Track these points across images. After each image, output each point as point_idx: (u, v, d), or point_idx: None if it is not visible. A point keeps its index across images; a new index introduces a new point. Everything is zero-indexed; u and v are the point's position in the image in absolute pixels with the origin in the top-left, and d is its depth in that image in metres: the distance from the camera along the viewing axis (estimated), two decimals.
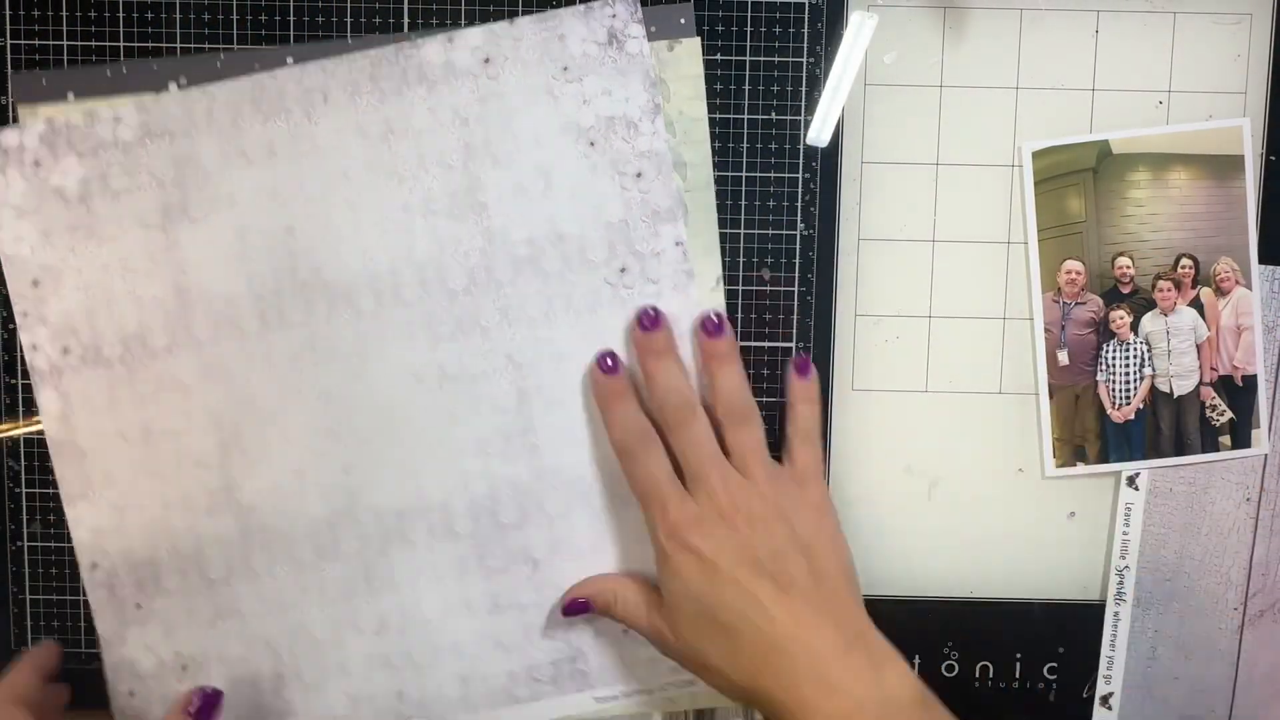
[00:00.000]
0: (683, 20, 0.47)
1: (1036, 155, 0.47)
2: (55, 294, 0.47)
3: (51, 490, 0.49)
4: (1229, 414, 0.49)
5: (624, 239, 0.47)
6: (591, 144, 0.46)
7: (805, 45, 0.48)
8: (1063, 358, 0.49)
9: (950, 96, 0.48)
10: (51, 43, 0.47)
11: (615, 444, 0.46)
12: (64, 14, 0.47)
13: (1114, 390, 0.49)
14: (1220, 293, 0.48)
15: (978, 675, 0.51)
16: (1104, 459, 0.49)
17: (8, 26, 0.47)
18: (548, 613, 0.49)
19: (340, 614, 0.48)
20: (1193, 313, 0.48)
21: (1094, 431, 0.49)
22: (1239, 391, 0.49)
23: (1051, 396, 0.49)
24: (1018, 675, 0.51)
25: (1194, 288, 0.48)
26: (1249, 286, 0.48)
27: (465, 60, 0.46)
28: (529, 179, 0.46)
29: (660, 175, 0.47)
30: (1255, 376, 0.49)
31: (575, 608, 0.47)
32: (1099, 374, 0.49)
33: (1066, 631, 0.50)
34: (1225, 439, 0.49)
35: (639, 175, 0.46)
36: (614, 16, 0.46)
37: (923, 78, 0.48)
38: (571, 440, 0.48)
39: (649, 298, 0.47)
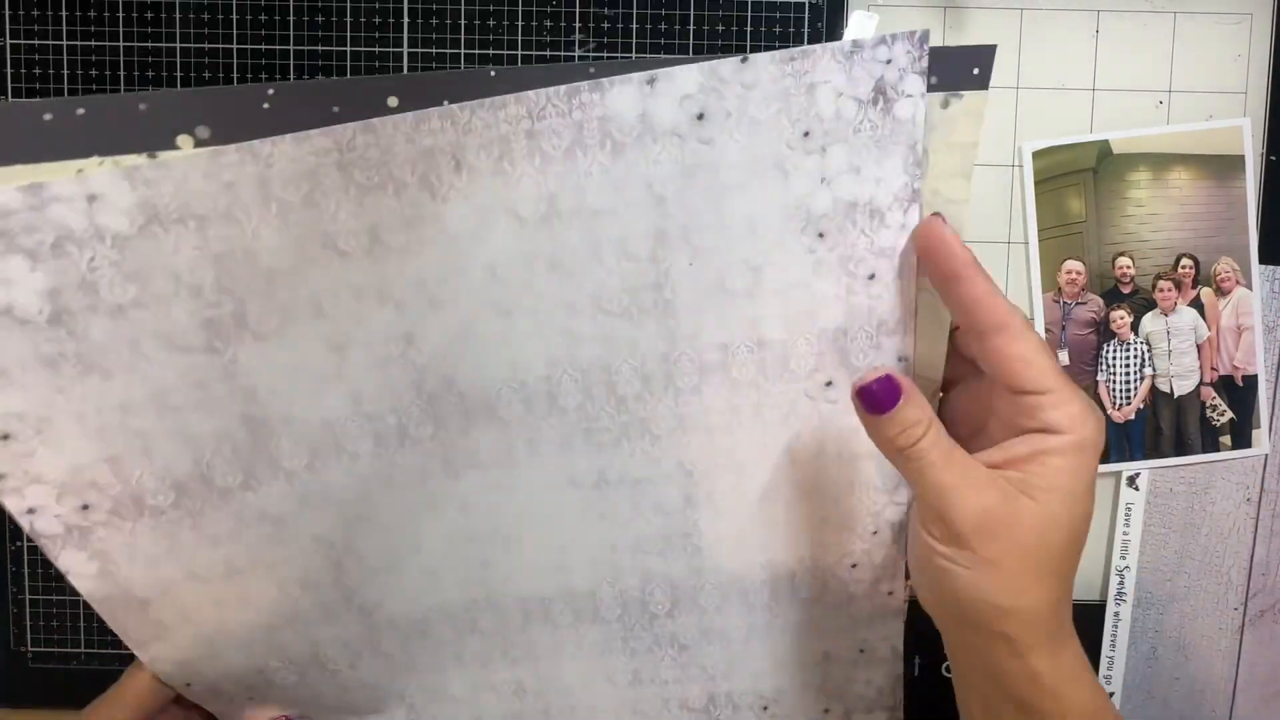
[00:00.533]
0: (975, 70, 0.35)
1: (1037, 155, 0.47)
2: (45, 446, 0.34)
3: None
4: (1229, 414, 0.49)
5: (837, 349, 0.38)
6: (821, 235, 0.36)
7: (805, 45, 0.48)
8: (1063, 357, 0.49)
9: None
10: (51, 43, 0.47)
11: None
12: (64, 14, 0.47)
13: (1114, 390, 0.49)
14: (1221, 293, 0.48)
15: None
16: (1104, 459, 0.49)
17: (7, 26, 0.47)
18: (688, 689, 0.45)
19: (478, 679, 0.44)
20: (1193, 313, 0.48)
21: None
22: (1239, 391, 0.49)
23: None
24: None
25: (1194, 288, 0.48)
26: (1249, 286, 0.48)
27: (670, 114, 0.34)
28: (734, 275, 0.36)
29: (899, 278, 0.37)
30: (1256, 376, 0.49)
31: (886, 391, 0.34)
32: (1099, 374, 0.49)
33: None
34: (1226, 439, 0.49)
35: (871, 277, 0.37)
36: (888, 62, 0.35)
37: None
38: (740, 545, 0.42)
39: (855, 415, 0.36)
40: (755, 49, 0.47)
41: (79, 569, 0.37)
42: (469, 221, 0.34)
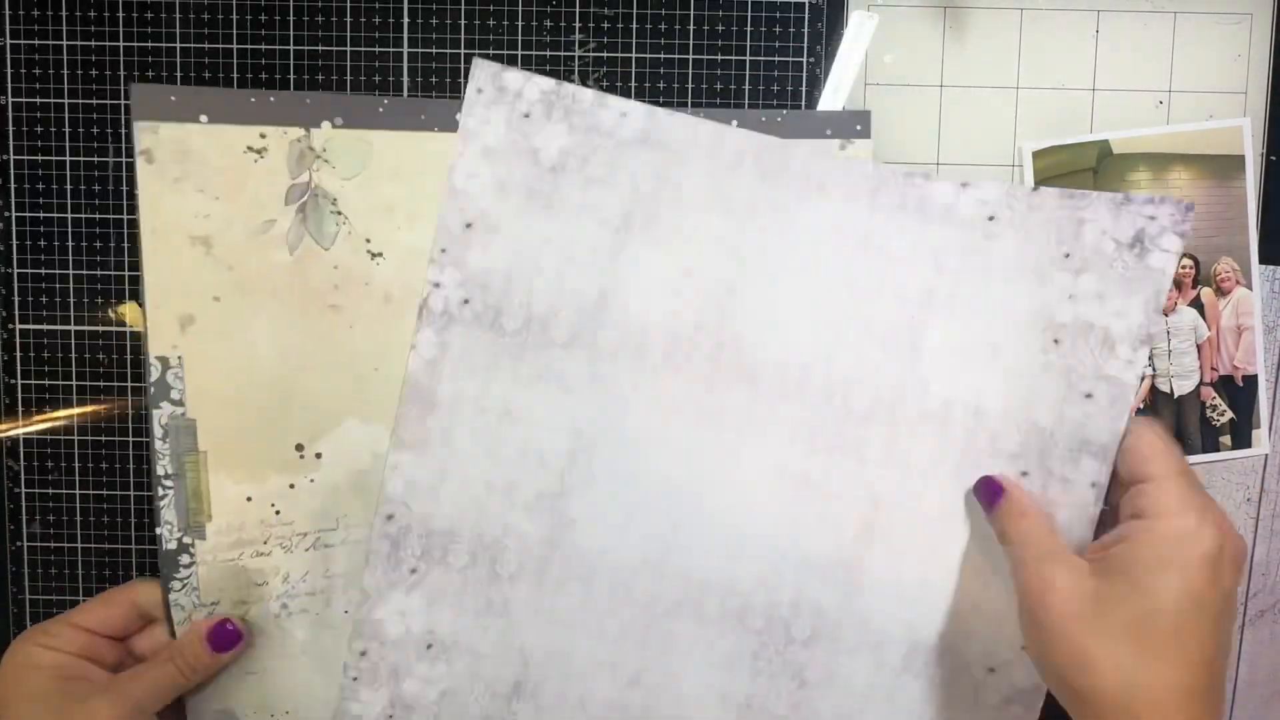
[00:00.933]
0: (859, 127, 0.48)
1: (1037, 155, 0.47)
2: (482, 244, 0.45)
3: (51, 490, 0.49)
4: (1229, 414, 0.49)
5: (1040, 447, 0.43)
6: (1056, 341, 0.43)
7: (805, 45, 0.48)
8: None
9: (950, 96, 0.48)
10: (51, 43, 0.47)
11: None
12: (64, 14, 0.47)
13: None
14: (1221, 293, 0.48)
15: None
16: None
17: (7, 26, 0.47)
18: None
19: (603, 653, 0.46)
20: (1193, 313, 0.48)
21: None
22: (1239, 391, 0.49)
23: None
24: None
25: (1194, 288, 0.48)
26: (1249, 286, 0.48)
27: (970, 210, 0.44)
28: (975, 346, 0.44)
29: (1113, 407, 0.43)
30: (1256, 376, 0.49)
31: (988, 491, 0.43)
32: None
33: None
34: (1225, 439, 0.49)
35: (1088, 396, 0.43)
36: (1153, 218, 0.42)
37: (923, 78, 0.48)
38: (895, 594, 0.45)
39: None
40: (755, 49, 0.48)
41: (424, 349, 0.46)
42: (810, 226, 0.45)
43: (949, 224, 0.44)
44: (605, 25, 0.48)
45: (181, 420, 0.46)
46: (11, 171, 0.48)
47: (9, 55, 0.47)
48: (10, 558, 0.50)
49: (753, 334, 0.45)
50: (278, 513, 0.46)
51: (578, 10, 0.48)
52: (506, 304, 0.45)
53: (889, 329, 0.45)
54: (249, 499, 0.46)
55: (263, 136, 0.45)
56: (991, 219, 0.44)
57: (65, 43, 0.47)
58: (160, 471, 0.46)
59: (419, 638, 0.47)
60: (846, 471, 0.45)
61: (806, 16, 0.48)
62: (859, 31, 0.48)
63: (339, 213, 0.45)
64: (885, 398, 0.45)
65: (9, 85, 0.47)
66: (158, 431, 0.46)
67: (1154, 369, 0.48)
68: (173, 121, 0.45)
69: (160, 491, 0.46)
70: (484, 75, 0.45)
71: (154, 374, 0.46)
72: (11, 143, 0.48)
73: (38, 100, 0.48)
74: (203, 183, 0.45)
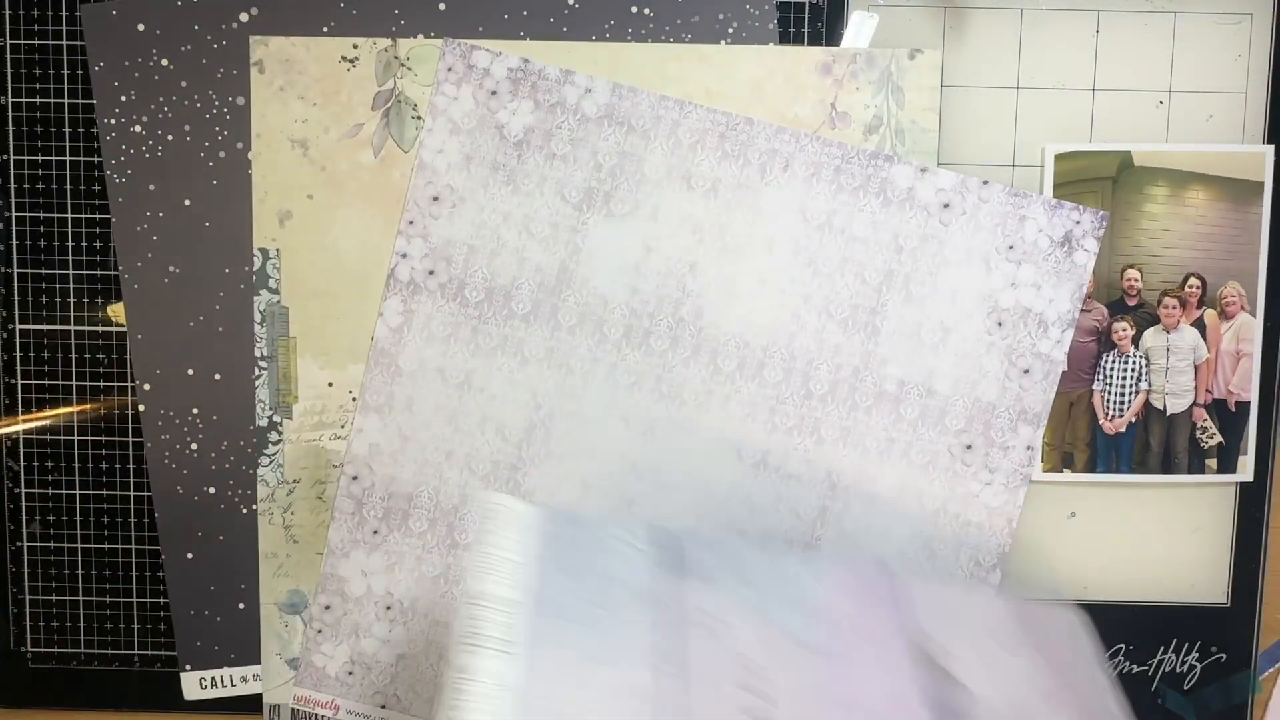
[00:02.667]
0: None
1: (1060, 158, 0.47)
2: (449, 217, 0.47)
3: (51, 490, 0.49)
4: (1218, 437, 0.49)
5: (984, 421, 0.47)
6: (999, 324, 0.47)
7: (805, 45, 0.48)
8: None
9: (950, 96, 0.48)
10: (51, 43, 0.47)
11: None
12: (64, 14, 0.47)
13: (1109, 400, 0.49)
14: (1225, 316, 0.48)
15: None
16: (1091, 468, 0.49)
17: (7, 26, 0.47)
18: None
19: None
20: (1195, 333, 0.48)
21: (1084, 440, 0.49)
22: (1231, 417, 0.49)
23: None
24: None
25: (1199, 308, 0.48)
26: (1254, 313, 0.48)
27: (928, 196, 0.47)
28: (929, 327, 0.47)
29: (1045, 380, 0.47)
30: (1249, 404, 0.49)
31: None
32: (1096, 383, 0.49)
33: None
34: (1212, 462, 0.49)
35: (1026, 372, 0.47)
36: (1078, 223, 0.47)
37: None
38: (841, 584, 0.45)
39: (980, 484, 0.47)
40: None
41: (390, 317, 0.48)
42: (775, 204, 0.46)
43: (911, 207, 0.47)
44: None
45: (277, 307, 0.49)
46: (11, 171, 0.48)
47: (9, 55, 0.47)
48: (10, 558, 0.50)
49: (713, 311, 0.47)
50: (354, 399, 0.49)
51: None
52: (469, 276, 0.47)
53: (849, 309, 0.47)
54: (330, 384, 0.49)
55: (355, 47, 0.47)
56: (947, 206, 0.47)
57: (65, 43, 0.47)
58: (257, 354, 0.49)
59: (379, 599, 0.49)
60: (803, 453, 0.47)
61: (806, 16, 0.48)
62: (859, 31, 0.48)
63: (419, 117, 0.47)
64: (845, 378, 0.47)
65: (9, 85, 0.47)
66: (256, 317, 0.49)
67: (1150, 385, 0.48)
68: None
69: (256, 372, 0.49)
70: (454, 54, 0.46)
71: (256, 263, 0.49)
72: (11, 143, 0.48)
73: (38, 100, 0.48)
74: (302, 90, 0.47)
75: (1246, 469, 0.49)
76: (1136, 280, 0.48)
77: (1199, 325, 0.48)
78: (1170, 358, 0.48)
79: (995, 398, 0.47)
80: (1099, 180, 0.47)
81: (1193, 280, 0.48)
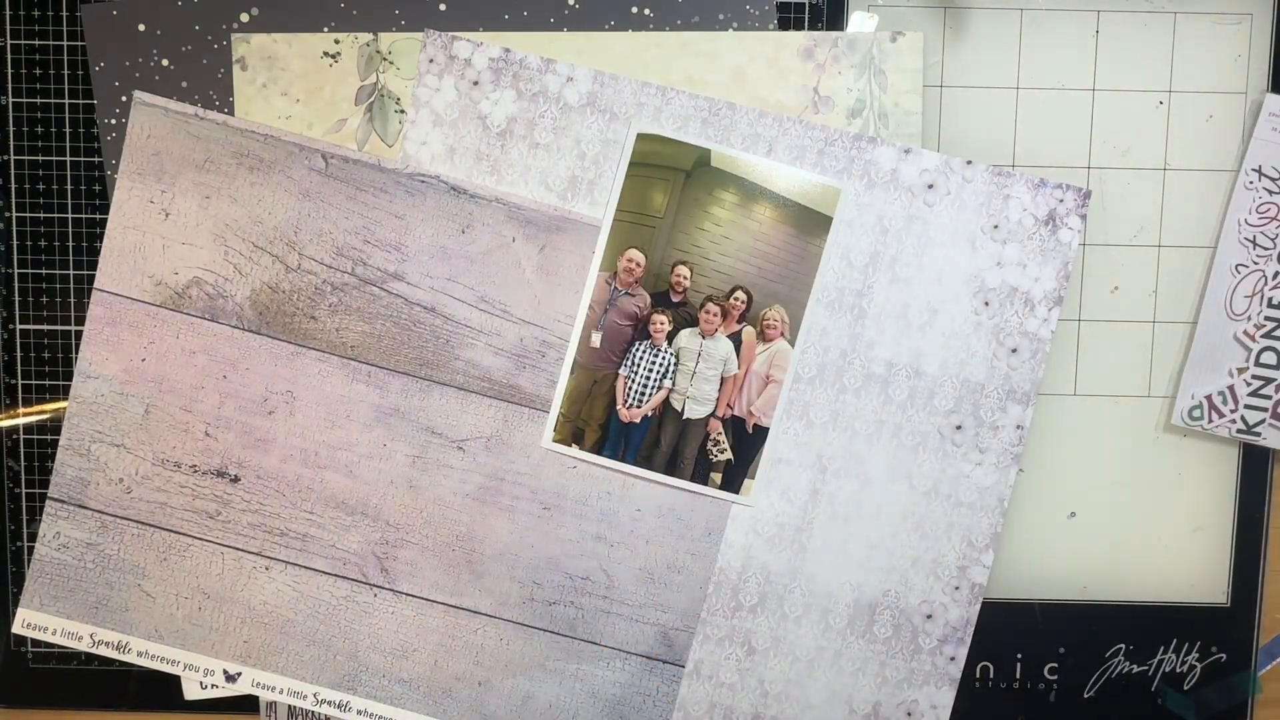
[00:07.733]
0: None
1: (641, 138, 0.47)
2: None
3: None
4: (729, 454, 0.47)
5: (974, 401, 0.47)
6: (986, 304, 0.47)
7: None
8: (595, 340, 0.47)
9: (950, 96, 0.48)
10: (51, 43, 0.47)
11: None
12: (64, 14, 0.47)
13: (631, 389, 0.47)
14: (763, 338, 0.47)
15: None
16: (598, 450, 0.48)
17: (8, 26, 0.47)
18: (738, 700, 0.48)
19: None
20: (730, 345, 0.47)
21: (599, 421, 0.48)
22: (746, 438, 0.47)
23: (572, 373, 0.47)
24: (1017, 675, 0.51)
25: (739, 322, 0.47)
26: (792, 342, 0.47)
27: (911, 177, 0.46)
28: (916, 309, 0.47)
29: (1033, 359, 0.47)
30: (767, 430, 0.47)
31: None
32: (623, 367, 0.47)
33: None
34: (716, 476, 0.48)
35: (1014, 351, 0.47)
36: (1061, 201, 0.46)
37: (923, 77, 0.48)
38: (840, 557, 0.47)
39: (970, 464, 0.47)
40: None
41: None
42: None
43: (895, 188, 0.46)
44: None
45: None
46: (12, 171, 0.48)
47: (9, 55, 0.48)
48: (10, 558, 0.50)
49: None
50: None
51: None
52: None
53: (835, 291, 0.47)
54: None
55: (336, 42, 0.47)
56: (931, 187, 0.46)
57: (65, 43, 0.47)
58: None
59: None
60: (794, 435, 0.47)
61: (806, 17, 0.48)
62: (859, 31, 0.48)
63: (402, 111, 0.48)
64: (833, 361, 0.47)
65: (9, 85, 0.48)
66: None
67: (674, 384, 0.47)
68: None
69: None
70: (435, 45, 0.47)
71: None
72: (12, 143, 0.48)
73: (38, 100, 0.48)
74: (285, 86, 0.48)
75: (753, 494, 0.48)
76: (685, 278, 0.47)
77: (735, 339, 0.47)
78: (700, 363, 0.47)
79: (984, 377, 0.47)
80: (674, 170, 0.47)
81: (739, 293, 0.47)
